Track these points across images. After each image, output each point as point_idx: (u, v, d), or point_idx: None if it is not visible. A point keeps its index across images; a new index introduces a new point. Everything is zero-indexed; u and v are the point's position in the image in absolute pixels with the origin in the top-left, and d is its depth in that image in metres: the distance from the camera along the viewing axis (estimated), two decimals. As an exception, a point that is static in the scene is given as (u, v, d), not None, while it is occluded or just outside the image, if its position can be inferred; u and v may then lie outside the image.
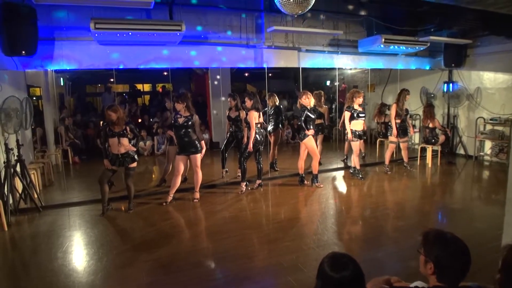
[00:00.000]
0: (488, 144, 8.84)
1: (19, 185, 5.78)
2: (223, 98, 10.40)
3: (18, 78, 6.55)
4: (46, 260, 4.09)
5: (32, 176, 6.14)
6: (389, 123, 8.00)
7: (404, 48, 7.75)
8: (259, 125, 6.41)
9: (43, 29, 5.53)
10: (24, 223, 5.39)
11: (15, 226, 5.21)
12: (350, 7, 7.64)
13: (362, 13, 7.79)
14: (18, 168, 5.67)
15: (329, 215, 5.56)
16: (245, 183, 6.61)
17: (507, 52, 7.85)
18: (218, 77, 10.77)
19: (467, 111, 9.26)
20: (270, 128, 7.66)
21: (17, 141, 5.65)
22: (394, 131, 7.71)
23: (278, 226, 4.98)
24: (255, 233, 4.80)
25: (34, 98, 8.47)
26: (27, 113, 5.86)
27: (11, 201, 5.49)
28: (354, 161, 7.40)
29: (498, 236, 3.30)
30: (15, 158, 5.65)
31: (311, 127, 6.57)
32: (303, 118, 6.51)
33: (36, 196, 5.89)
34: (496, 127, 8.47)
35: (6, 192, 5.26)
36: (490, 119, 8.53)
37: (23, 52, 5.22)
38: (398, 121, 7.73)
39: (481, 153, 8.98)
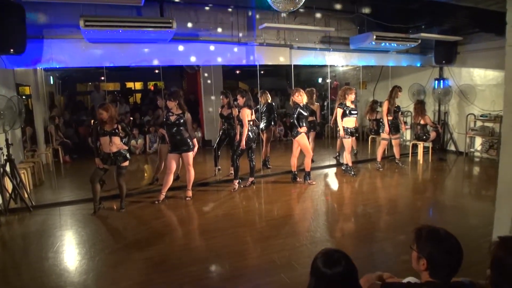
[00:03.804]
0: (478, 141, 8.91)
1: (9, 185, 5.70)
2: (212, 97, 10.39)
3: (6, 76, 6.45)
4: (37, 260, 4.04)
5: (22, 175, 6.07)
6: (381, 120, 8.04)
7: (395, 45, 7.80)
8: (251, 123, 6.40)
9: (32, 27, 5.46)
10: (15, 223, 5.33)
11: (5, 226, 5.15)
12: (342, 4, 7.65)
13: (354, 10, 7.81)
14: (8, 168, 5.60)
15: (322, 212, 5.58)
16: (237, 180, 6.60)
17: (497, 49, 7.88)
18: (210, 75, 10.73)
19: (457, 107, 9.34)
20: (262, 125, 7.65)
21: (7, 140, 5.58)
22: (387, 128, 7.73)
23: (271, 224, 4.98)
24: (248, 230, 4.80)
25: (24, 97, 8.36)
26: (15, 112, 5.78)
27: (0, 201, 5.43)
28: (346, 158, 7.42)
29: (489, 231, 3.32)
30: (5, 157, 5.58)
31: (304, 125, 6.57)
32: (295, 116, 6.51)
33: (26, 195, 5.82)
34: (487, 124, 8.55)
35: (-5, 192, 5.20)
36: (481, 116, 8.60)
37: (12, 50, 5.14)
38: (390, 118, 7.76)
39: (472, 150, 9.06)
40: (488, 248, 1.67)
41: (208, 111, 10.94)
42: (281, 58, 7.51)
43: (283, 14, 7.05)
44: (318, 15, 7.54)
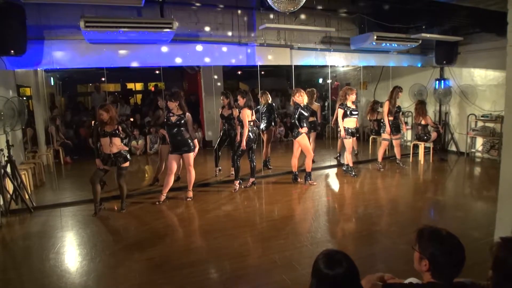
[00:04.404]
0: (479, 141, 8.90)
1: (10, 186, 5.70)
2: (213, 98, 10.39)
3: (7, 77, 6.46)
4: (38, 261, 4.04)
5: (23, 176, 6.07)
6: (382, 121, 8.03)
7: (396, 45, 7.80)
8: (252, 123, 6.40)
9: (32, 28, 5.45)
10: (16, 224, 5.33)
11: (6, 227, 5.14)
12: (342, 4, 7.64)
13: (354, 10, 7.80)
14: (8, 169, 5.60)
15: (323, 212, 5.57)
16: (238, 181, 6.59)
17: (498, 49, 7.88)
18: (210, 75, 10.73)
19: (458, 108, 9.32)
20: (262, 126, 7.65)
21: (7, 141, 5.58)
22: (388, 128, 7.72)
23: (271, 224, 4.98)
24: (249, 231, 4.79)
25: (24, 98, 8.36)
26: (16, 113, 5.78)
27: (1, 202, 5.42)
28: (347, 159, 7.41)
29: (491, 231, 3.32)
30: (6, 158, 5.58)
31: (305, 125, 6.56)
32: (296, 116, 6.51)
33: (27, 197, 5.82)
34: (488, 124, 8.54)
35: (-4, 193, 5.20)
36: (482, 116, 8.59)
37: (12, 51, 5.15)
38: (391, 118, 7.76)
39: (473, 150, 9.05)
40: (490, 249, 1.66)
41: (208, 112, 10.94)
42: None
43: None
44: (318, 15, 7.54)
